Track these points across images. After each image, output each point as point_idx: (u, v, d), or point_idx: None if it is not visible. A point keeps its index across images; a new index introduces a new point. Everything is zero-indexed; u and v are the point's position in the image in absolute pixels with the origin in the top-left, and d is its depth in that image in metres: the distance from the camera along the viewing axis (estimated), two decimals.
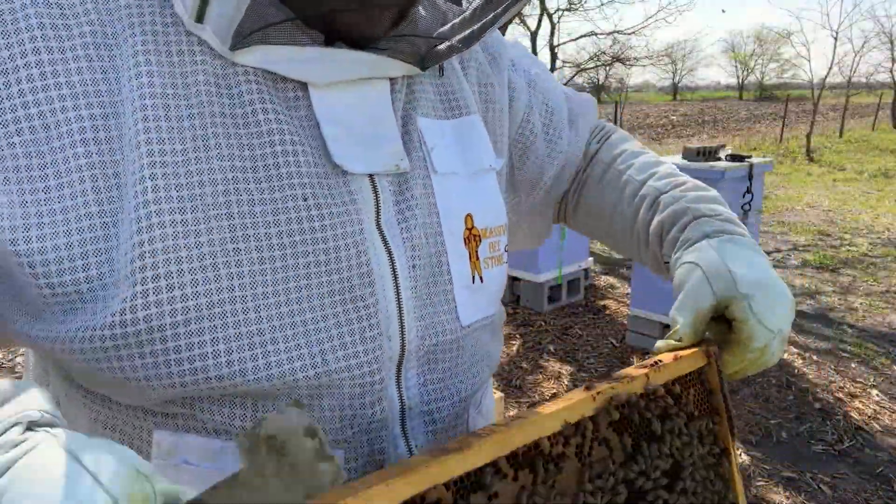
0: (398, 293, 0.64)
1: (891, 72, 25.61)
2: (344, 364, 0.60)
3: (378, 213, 0.64)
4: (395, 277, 0.64)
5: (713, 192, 0.84)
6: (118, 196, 0.54)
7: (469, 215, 0.72)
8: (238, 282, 0.56)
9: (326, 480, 0.40)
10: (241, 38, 0.57)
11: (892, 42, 25.90)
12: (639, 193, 0.87)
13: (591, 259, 5.00)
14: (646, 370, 0.63)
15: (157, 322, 0.53)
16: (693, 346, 0.71)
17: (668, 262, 0.82)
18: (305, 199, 0.59)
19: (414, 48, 0.67)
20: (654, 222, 0.84)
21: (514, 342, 4.27)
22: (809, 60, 20.26)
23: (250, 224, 0.57)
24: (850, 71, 19.83)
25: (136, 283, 0.52)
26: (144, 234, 0.53)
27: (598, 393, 0.59)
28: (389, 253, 0.64)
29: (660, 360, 0.66)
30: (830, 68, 16.35)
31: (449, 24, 0.71)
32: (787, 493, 2.52)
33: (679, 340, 0.71)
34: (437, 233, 0.68)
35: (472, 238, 0.72)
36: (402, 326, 0.64)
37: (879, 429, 2.99)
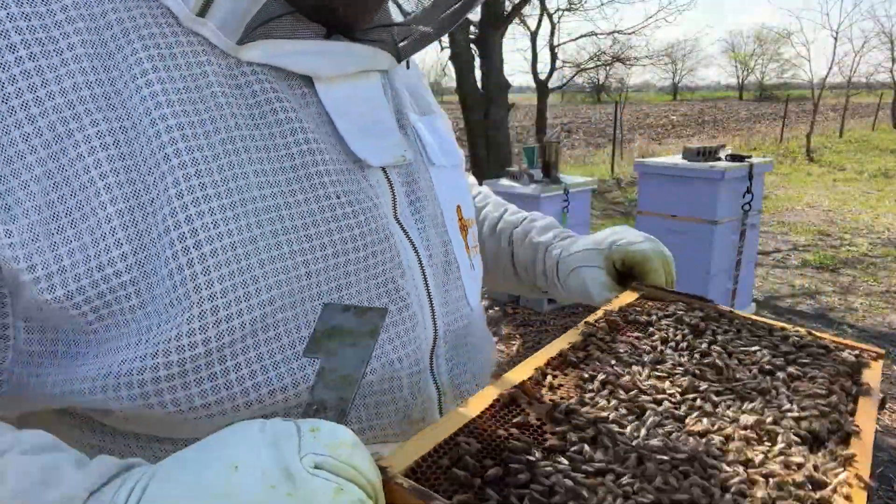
0: (426, 282, 0.66)
1: (891, 72, 25.61)
2: (394, 356, 0.62)
3: (395, 205, 0.66)
4: (422, 267, 0.66)
5: (549, 218, 1.02)
6: (148, 214, 0.51)
7: (458, 206, 0.76)
8: (287, 288, 0.54)
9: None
10: (249, 32, 0.56)
11: (892, 42, 25.90)
12: (497, 227, 1.01)
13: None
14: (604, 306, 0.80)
15: (219, 342, 0.51)
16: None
17: (541, 279, 0.96)
18: (339, 198, 0.59)
19: (392, 39, 0.68)
20: (519, 254, 0.98)
21: (513, 342, 4.27)
22: (809, 60, 20.31)
23: (291, 228, 0.56)
24: (850, 71, 19.83)
25: (192, 304, 0.50)
26: (193, 252, 0.50)
27: (585, 322, 0.73)
28: (412, 244, 0.66)
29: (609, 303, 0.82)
30: (830, 68, 16.35)
31: (413, 14, 0.73)
32: None
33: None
34: (441, 223, 0.72)
35: (462, 228, 0.76)
36: (433, 314, 0.67)
37: (879, 429, 2.98)
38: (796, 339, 0.75)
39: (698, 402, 0.61)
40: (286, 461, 0.39)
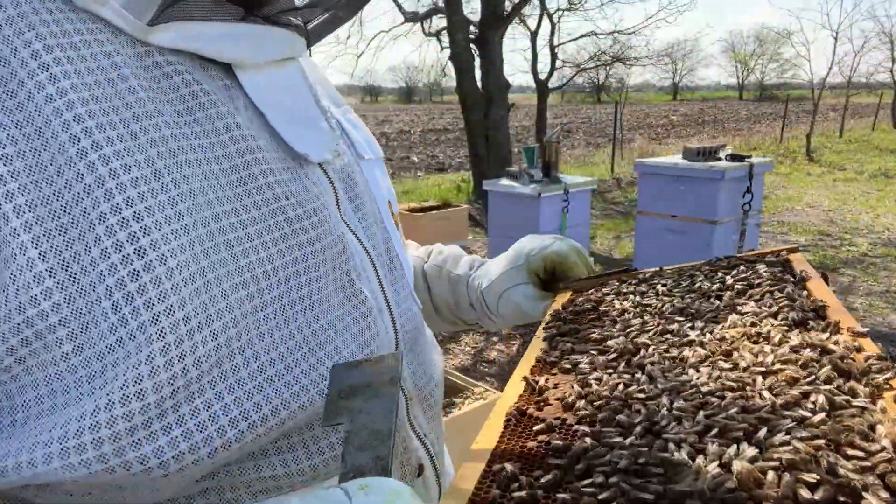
0: (381, 283, 0.63)
1: (891, 72, 25.60)
2: None
3: (338, 203, 0.61)
4: (375, 268, 0.63)
5: (453, 247, 1.02)
6: (74, 239, 0.43)
7: (389, 202, 0.73)
8: (250, 305, 0.48)
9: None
10: (164, 10, 0.48)
11: (892, 42, 25.89)
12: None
13: (591, 259, 4.99)
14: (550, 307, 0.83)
15: (185, 378, 0.44)
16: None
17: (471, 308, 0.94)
18: (288, 199, 0.53)
19: (303, 22, 0.62)
20: (437, 291, 0.96)
21: (513, 342, 4.27)
22: (809, 60, 20.31)
23: (245, 237, 0.49)
24: (850, 71, 19.82)
25: (150, 338, 0.42)
26: (144, 277, 0.43)
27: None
28: (362, 244, 0.62)
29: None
30: (830, 68, 16.38)
31: None
32: None
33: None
34: (380, 220, 0.68)
35: (396, 224, 0.73)
36: (391, 316, 0.63)
37: None
38: (723, 263, 0.84)
39: (685, 339, 0.63)
40: None
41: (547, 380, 0.61)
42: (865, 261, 5.83)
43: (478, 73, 8.92)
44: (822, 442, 0.43)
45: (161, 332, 0.42)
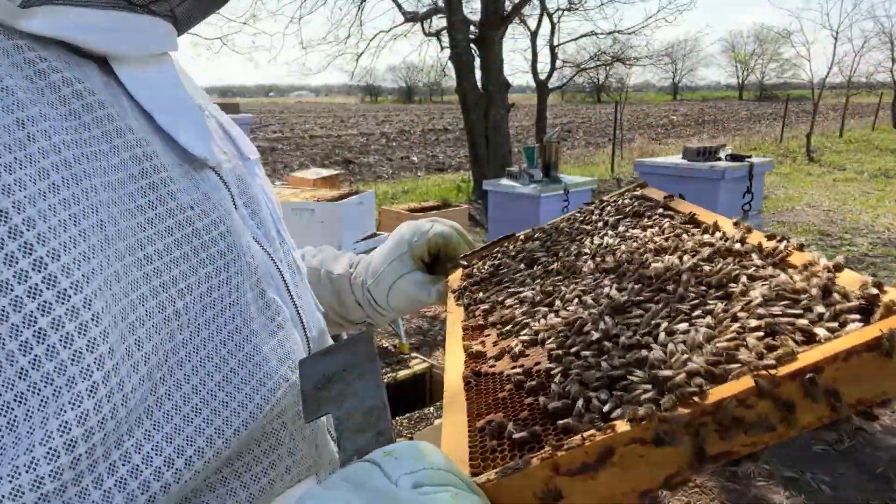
0: (289, 290, 0.60)
1: (891, 72, 25.59)
2: (288, 375, 0.53)
3: (236, 208, 0.56)
4: (281, 274, 0.59)
5: (327, 247, 1.00)
6: None
7: (277, 203, 0.69)
8: (167, 329, 0.44)
9: None
10: None
11: (892, 42, 25.88)
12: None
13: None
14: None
15: (115, 419, 0.38)
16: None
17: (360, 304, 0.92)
18: (192, 209, 0.48)
19: (172, 12, 0.54)
20: (320, 293, 0.90)
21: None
22: (809, 60, 20.29)
23: (155, 254, 0.45)
24: (850, 71, 19.82)
25: (72, 380, 0.36)
26: (57, 309, 0.37)
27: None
28: (265, 250, 0.58)
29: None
30: (830, 68, 16.36)
31: None
32: (787, 493, 2.52)
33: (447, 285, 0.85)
34: (274, 224, 0.63)
35: (285, 228, 0.70)
36: (302, 325, 0.61)
37: (879, 429, 2.99)
38: (593, 205, 0.92)
39: (596, 274, 0.68)
40: (386, 494, 0.34)
41: (482, 343, 0.64)
42: (865, 261, 5.83)
43: (478, 73, 8.92)
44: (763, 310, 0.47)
45: (86, 370, 0.37)
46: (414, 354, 3.14)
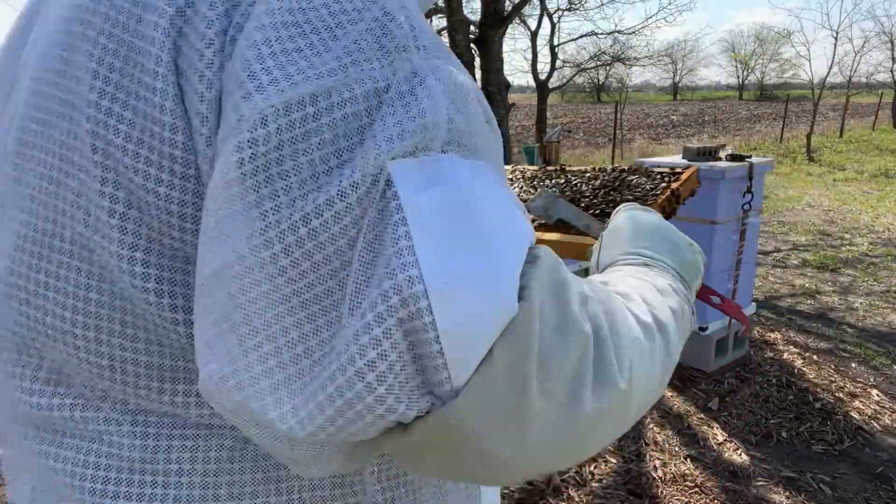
0: None
1: (891, 72, 25.60)
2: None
3: None
4: None
5: None
6: None
7: None
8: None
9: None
10: None
11: (892, 42, 25.89)
12: None
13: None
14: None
15: None
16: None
17: None
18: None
19: None
20: None
21: None
22: (809, 60, 20.28)
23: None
24: (851, 71, 19.83)
25: None
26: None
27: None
28: None
29: None
30: (830, 68, 16.35)
31: None
32: (787, 493, 2.52)
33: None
34: None
35: None
36: None
37: (879, 429, 2.99)
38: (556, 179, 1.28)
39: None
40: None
41: None
42: (865, 261, 5.83)
43: (478, 73, 8.92)
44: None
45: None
46: None
